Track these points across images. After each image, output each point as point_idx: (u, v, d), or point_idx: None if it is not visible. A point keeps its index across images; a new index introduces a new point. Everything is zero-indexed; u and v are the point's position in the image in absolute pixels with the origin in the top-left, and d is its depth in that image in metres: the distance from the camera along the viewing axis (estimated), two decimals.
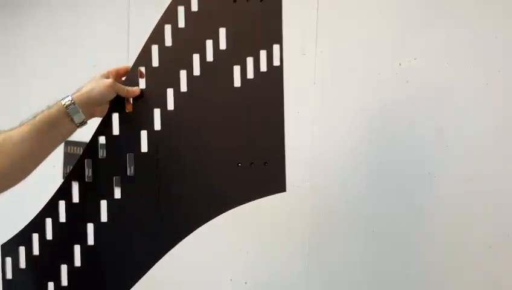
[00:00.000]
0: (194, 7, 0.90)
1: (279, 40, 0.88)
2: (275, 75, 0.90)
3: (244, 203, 1.04)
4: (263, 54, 0.88)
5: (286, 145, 1.78)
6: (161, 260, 2.16)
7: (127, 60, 2.28)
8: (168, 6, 0.91)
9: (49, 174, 2.59)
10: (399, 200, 1.59)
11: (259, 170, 0.98)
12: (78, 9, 2.49)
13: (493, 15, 1.44)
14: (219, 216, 2.00)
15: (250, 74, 0.90)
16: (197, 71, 0.90)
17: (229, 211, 1.93)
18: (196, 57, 0.89)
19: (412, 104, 1.56)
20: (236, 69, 0.89)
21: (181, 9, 0.89)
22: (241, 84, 0.89)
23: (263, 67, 0.89)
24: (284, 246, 1.83)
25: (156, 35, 1.00)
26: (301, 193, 1.78)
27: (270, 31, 0.88)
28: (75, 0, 2.51)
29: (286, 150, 1.78)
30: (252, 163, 0.97)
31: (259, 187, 1.02)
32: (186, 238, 2.09)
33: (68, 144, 2.51)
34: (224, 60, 0.89)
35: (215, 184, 1.00)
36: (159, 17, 2.20)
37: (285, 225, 1.82)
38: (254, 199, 1.05)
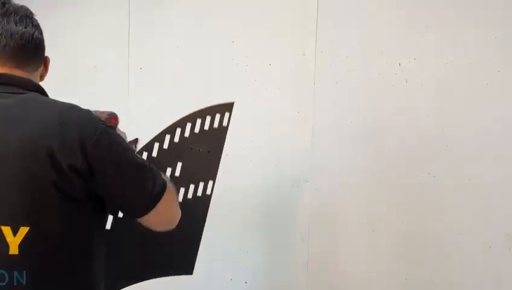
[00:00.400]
0: (166, 146, 1.35)
1: (213, 177, 1.31)
2: (205, 201, 1.31)
3: (163, 276, 1.43)
4: (201, 185, 1.31)
5: (287, 145, 1.80)
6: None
7: (128, 61, 2.29)
8: (148, 142, 1.37)
9: None
10: (399, 200, 1.59)
11: (178, 259, 1.39)
12: (78, 10, 2.49)
13: (493, 16, 1.45)
14: (219, 217, 2.00)
15: (189, 195, 1.30)
16: None
17: (229, 211, 1.94)
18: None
19: (412, 104, 1.56)
20: (182, 190, 1.29)
21: (156, 145, 1.35)
22: (182, 201, 1.27)
23: (199, 193, 1.31)
24: (284, 246, 1.83)
25: None
26: (301, 193, 1.78)
27: (209, 171, 1.30)
28: (75, 0, 2.51)
29: (287, 149, 1.79)
30: (172, 254, 1.35)
31: (175, 268, 1.41)
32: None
33: None
34: (176, 183, 1.19)
35: (149, 261, 1.39)
36: (159, 18, 2.20)
37: (285, 224, 1.82)
38: (170, 275, 1.46)
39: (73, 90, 2.49)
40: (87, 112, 0.87)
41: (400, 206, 1.59)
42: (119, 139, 0.89)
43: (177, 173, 1.30)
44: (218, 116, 1.41)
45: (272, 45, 1.85)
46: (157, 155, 1.30)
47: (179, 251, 1.33)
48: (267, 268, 1.88)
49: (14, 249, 0.78)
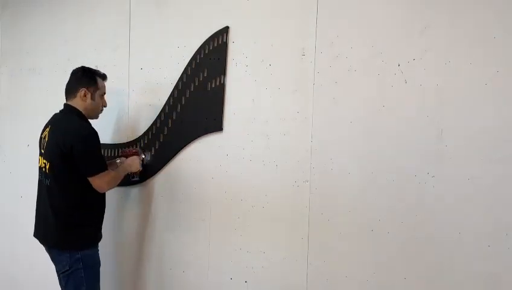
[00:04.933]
0: (198, 61, 2.07)
1: (224, 72, 1.98)
2: (222, 86, 1.99)
3: (207, 133, 2.03)
4: (217, 78, 2.00)
5: (287, 145, 1.80)
6: (162, 259, 2.16)
7: (128, 61, 2.29)
8: (192, 57, 2.09)
9: None
10: (398, 200, 1.59)
11: (212, 121, 2.01)
12: (79, 10, 2.50)
13: (492, 16, 1.45)
14: (219, 217, 2.01)
15: (213, 85, 2.02)
16: (196, 83, 2.08)
17: (230, 211, 1.94)
18: (196, 79, 2.08)
19: (411, 104, 1.56)
20: (209, 84, 2.03)
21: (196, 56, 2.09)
22: (209, 88, 2.03)
23: (218, 83, 2.01)
24: (284, 246, 1.84)
25: (189, 65, 2.12)
26: (301, 192, 1.78)
27: (221, 71, 1.99)
28: (76, 1, 2.52)
29: (287, 149, 1.80)
30: (208, 117, 2.02)
31: (212, 128, 2.01)
32: (186, 237, 2.10)
33: None
34: (205, 80, 2.04)
35: (198, 125, 2.06)
36: (159, 19, 2.21)
37: (286, 224, 1.83)
38: (211, 132, 2.02)
39: None
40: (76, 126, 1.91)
41: (400, 206, 1.59)
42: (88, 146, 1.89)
43: (205, 75, 2.04)
44: (217, 38, 2.00)
45: (272, 45, 1.85)
46: (194, 67, 2.08)
47: (213, 116, 2.01)
48: (267, 268, 1.88)
49: (47, 170, 1.90)
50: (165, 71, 2.15)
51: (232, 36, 1.95)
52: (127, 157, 2.11)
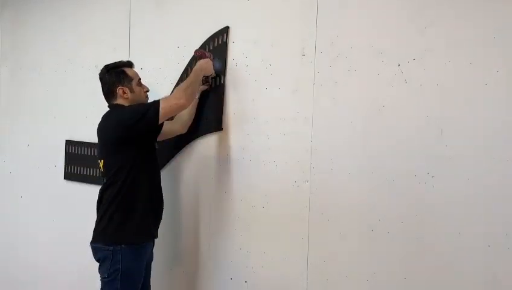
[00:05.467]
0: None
1: (224, 73, 1.96)
2: (220, 87, 1.97)
3: (207, 133, 2.03)
4: (217, 78, 1.99)
5: (287, 145, 1.80)
6: (162, 260, 2.16)
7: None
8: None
9: (50, 173, 2.61)
10: (398, 200, 1.59)
11: (212, 121, 2.00)
12: (78, 9, 2.50)
13: (492, 16, 1.45)
14: (219, 216, 2.01)
15: (213, 85, 2.01)
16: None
17: (229, 211, 1.94)
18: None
19: (411, 104, 1.56)
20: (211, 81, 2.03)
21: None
22: (213, 86, 2.01)
23: (218, 83, 1.99)
24: (284, 246, 1.84)
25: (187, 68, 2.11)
26: (301, 192, 1.78)
27: (221, 71, 1.97)
28: (76, 0, 2.52)
29: (287, 149, 1.79)
30: (208, 117, 2.03)
31: (212, 128, 2.00)
32: (186, 238, 2.09)
33: (69, 143, 2.53)
34: (205, 80, 1.99)
35: (198, 125, 2.06)
36: (159, 18, 2.21)
37: (285, 224, 1.83)
38: (211, 132, 2.01)
39: (74, 90, 2.50)
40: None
41: (400, 206, 1.59)
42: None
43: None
44: (217, 38, 1.99)
45: (272, 45, 1.85)
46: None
47: (212, 117, 2.00)
48: (267, 268, 1.88)
49: (102, 168, 1.89)
50: (165, 71, 2.15)
51: (232, 36, 1.95)
52: (200, 59, 1.93)
